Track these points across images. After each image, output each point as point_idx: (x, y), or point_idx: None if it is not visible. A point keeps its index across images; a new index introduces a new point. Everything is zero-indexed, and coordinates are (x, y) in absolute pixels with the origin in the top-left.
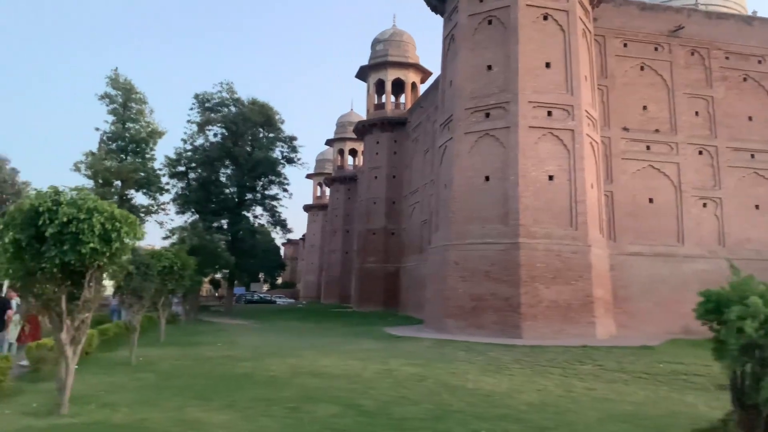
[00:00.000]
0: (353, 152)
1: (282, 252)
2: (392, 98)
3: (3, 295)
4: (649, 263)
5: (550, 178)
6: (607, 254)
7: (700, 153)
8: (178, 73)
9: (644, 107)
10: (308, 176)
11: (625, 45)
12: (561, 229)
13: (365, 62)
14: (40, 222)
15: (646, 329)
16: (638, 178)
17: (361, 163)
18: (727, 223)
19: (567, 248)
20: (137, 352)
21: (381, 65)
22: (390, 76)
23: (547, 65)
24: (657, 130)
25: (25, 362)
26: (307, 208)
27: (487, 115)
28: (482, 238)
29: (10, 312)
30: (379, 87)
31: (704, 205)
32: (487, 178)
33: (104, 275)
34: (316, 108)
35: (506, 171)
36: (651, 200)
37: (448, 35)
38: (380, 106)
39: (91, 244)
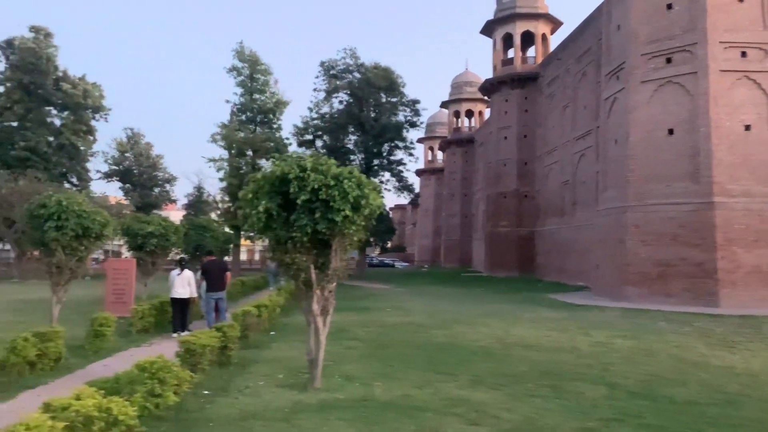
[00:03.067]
0: (469, 113)
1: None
2: (520, 53)
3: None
4: None
5: (747, 128)
6: None
7: None
8: (294, 41)
9: None
10: (419, 140)
11: None
12: (763, 186)
13: (473, 19)
14: (291, 190)
15: None
16: None
17: (478, 125)
18: None
19: None
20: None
21: (508, 18)
22: (518, 29)
23: None
24: None
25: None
26: (419, 172)
27: (669, 60)
28: (667, 198)
29: (228, 274)
30: (506, 42)
31: None
32: (670, 131)
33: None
34: (424, 70)
35: (694, 122)
36: None
37: None
38: (508, 61)
39: (345, 212)
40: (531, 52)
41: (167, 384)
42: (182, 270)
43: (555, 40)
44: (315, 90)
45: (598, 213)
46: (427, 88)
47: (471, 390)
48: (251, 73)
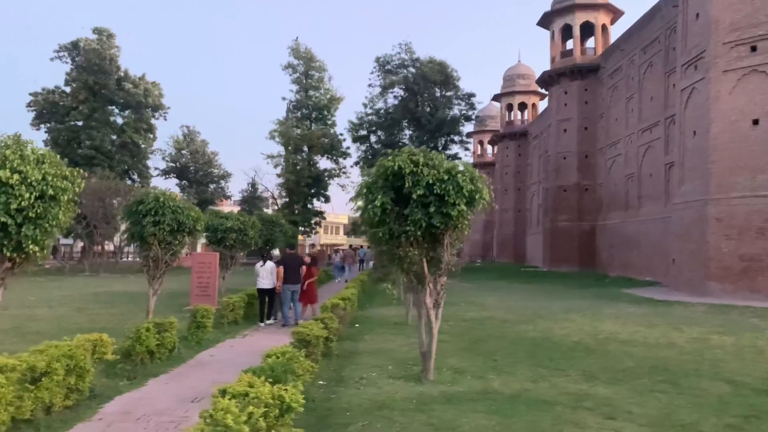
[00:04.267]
0: (522, 106)
1: None
2: (580, 44)
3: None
4: None
5: None
6: None
7: None
8: (345, 36)
9: None
10: (469, 134)
11: None
12: None
13: (524, 10)
14: (406, 184)
15: None
16: None
17: (530, 118)
18: None
19: None
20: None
21: (567, 9)
22: (578, 19)
23: None
24: None
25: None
26: None
27: (753, 48)
28: (753, 191)
29: (304, 268)
30: (565, 33)
31: None
32: (755, 122)
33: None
34: (474, 63)
35: None
36: None
37: None
38: (567, 53)
39: (460, 206)
40: (590, 43)
41: (296, 374)
42: (265, 262)
43: (615, 31)
44: (370, 85)
45: (674, 206)
46: (476, 81)
47: (588, 385)
48: (306, 70)
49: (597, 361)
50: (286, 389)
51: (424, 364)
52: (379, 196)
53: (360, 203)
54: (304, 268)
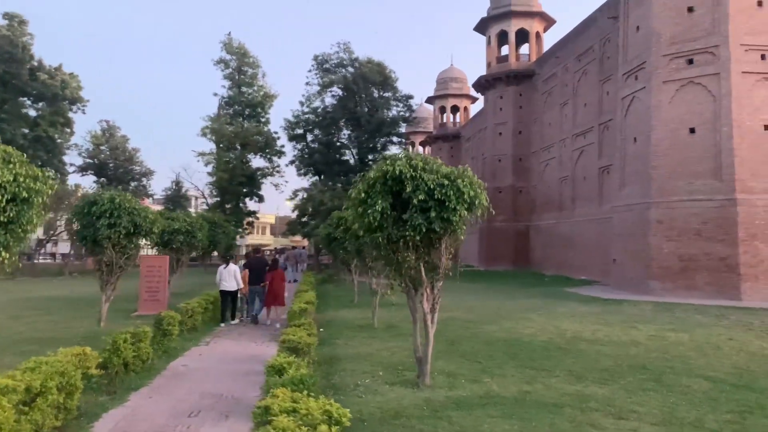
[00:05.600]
0: (454, 109)
1: None
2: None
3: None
4: None
5: (766, 128)
6: None
7: None
8: (280, 35)
9: None
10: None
11: None
12: None
13: (456, 14)
14: (407, 189)
15: None
16: None
17: (463, 121)
18: None
19: None
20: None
21: (504, 15)
22: (513, 26)
23: (759, 3)
24: None
25: (278, 325)
26: None
27: (690, 61)
28: (691, 195)
29: (281, 272)
30: (501, 39)
31: None
32: (692, 130)
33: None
34: (405, 65)
35: (717, 122)
36: None
37: None
38: (503, 59)
39: (461, 211)
40: (524, 49)
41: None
42: (228, 264)
43: (547, 38)
44: (307, 84)
45: (615, 209)
46: (408, 84)
47: (581, 385)
48: (239, 66)
49: (576, 361)
50: (330, 403)
51: (420, 369)
52: (380, 201)
53: (360, 209)
54: (275, 273)
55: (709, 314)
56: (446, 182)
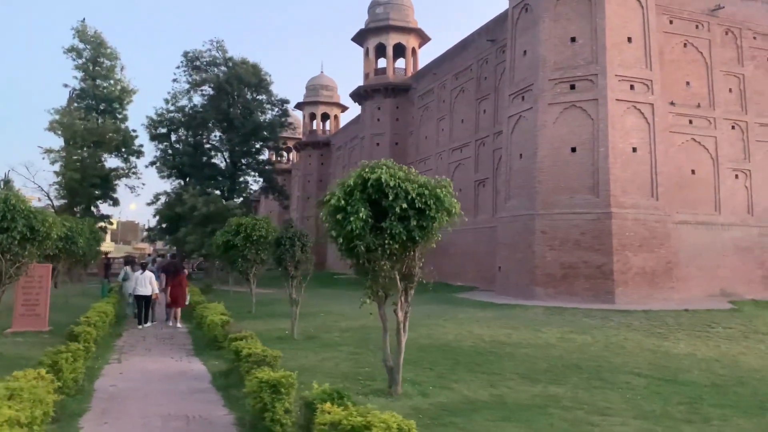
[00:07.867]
0: (325, 116)
1: None
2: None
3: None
4: (693, 231)
5: (634, 150)
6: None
7: (733, 128)
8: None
9: (687, 83)
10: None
11: (671, 22)
12: (644, 200)
13: (327, 21)
14: (390, 197)
15: (692, 293)
16: (683, 151)
17: (333, 129)
18: (756, 194)
19: (651, 217)
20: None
21: (382, 29)
22: (392, 40)
23: (629, 39)
24: (698, 105)
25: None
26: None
27: (572, 86)
28: (571, 208)
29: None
30: (379, 51)
31: (736, 176)
32: (573, 150)
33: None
34: (276, 69)
35: (595, 143)
36: (693, 172)
37: (519, 4)
38: (380, 71)
39: (441, 220)
40: (400, 63)
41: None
42: (144, 270)
43: (422, 55)
44: (175, 81)
45: (500, 219)
46: (278, 88)
47: (540, 386)
48: (95, 56)
49: (516, 364)
50: (394, 415)
51: (392, 377)
52: (362, 209)
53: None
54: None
55: (595, 317)
56: (426, 191)
